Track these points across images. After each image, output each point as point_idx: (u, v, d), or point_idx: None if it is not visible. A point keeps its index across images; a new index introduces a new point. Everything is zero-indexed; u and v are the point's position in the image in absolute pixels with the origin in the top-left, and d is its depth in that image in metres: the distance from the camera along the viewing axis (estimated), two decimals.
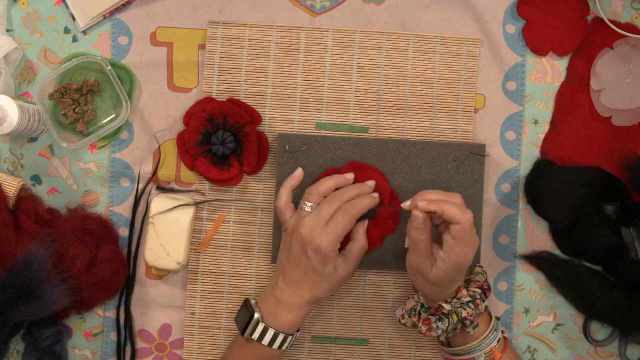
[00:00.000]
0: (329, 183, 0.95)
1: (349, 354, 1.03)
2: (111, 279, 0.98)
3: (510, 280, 1.03)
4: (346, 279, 0.95)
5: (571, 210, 0.99)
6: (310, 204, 0.93)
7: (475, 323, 0.91)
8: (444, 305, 0.91)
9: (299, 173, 0.98)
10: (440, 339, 0.93)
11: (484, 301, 0.92)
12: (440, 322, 0.91)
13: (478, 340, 0.93)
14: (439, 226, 0.93)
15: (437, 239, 0.93)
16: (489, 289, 0.94)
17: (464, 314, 0.91)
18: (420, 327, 0.93)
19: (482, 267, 0.97)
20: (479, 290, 0.92)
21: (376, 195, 0.96)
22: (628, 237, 1.00)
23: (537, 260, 1.03)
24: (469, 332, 0.92)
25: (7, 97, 0.94)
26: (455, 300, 0.92)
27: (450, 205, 0.88)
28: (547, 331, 1.04)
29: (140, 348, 1.03)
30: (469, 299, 0.91)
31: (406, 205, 0.91)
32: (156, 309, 1.03)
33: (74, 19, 1.02)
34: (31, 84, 1.02)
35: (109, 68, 0.98)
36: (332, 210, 0.91)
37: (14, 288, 0.90)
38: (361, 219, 0.95)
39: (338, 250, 0.92)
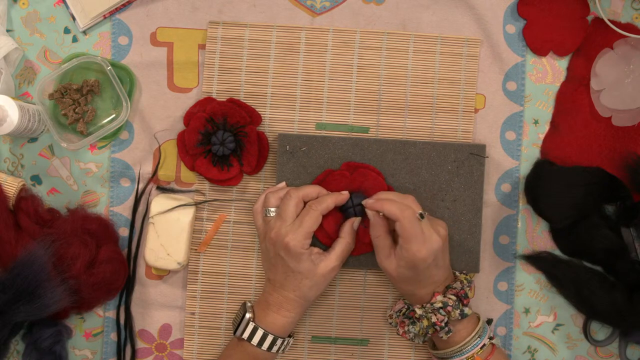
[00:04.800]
0: (284, 189, 0.98)
1: (349, 354, 1.03)
2: (111, 279, 0.98)
3: (510, 280, 1.03)
4: (329, 275, 0.95)
5: (571, 210, 0.99)
6: (272, 209, 0.96)
7: (447, 329, 0.92)
8: (416, 309, 0.94)
9: (282, 185, 0.99)
10: (415, 341, 0.95)
11: (457, 308, 0.93)
12: (412, 326, 0.94)
13: (459, 345, 0.94)
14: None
15: None
16: (466, 296, 0.94)
17: (434, 319, 0.92)
18: (398, 329, 0.96)
19: (466, 275, 0.98)
20: (453, 297, 0.93)
21: (345, 192, 0.97)
22: (628, 237, 1.00)
23: (537, 260, 1.03)
24: (442, 337, 0.93)
25: (7, 97, 0.94)
26: (428, 305, 0.93)
27: (390, 203, 0.91)
28: (547, 331, 1.04)
29: (140, 348, 1.03)
30: (440, 305, 0.93)
31: (363, 202, 0.95)
32: (156, 309, 1.03)
33: (74, 19, 1.02)
34: (31, 84, 1.02)
35: (109, 68, 0.98)
36: (292, 207, 0.94)
37: (14, 288, 0.90)
38: (345, 214, 0.97)
39: (309, 246, 0.94)
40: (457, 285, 0.95)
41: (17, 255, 0.92)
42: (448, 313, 0.92)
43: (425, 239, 0.91)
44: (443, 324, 0.92)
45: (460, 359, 0.94)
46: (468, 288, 0.96)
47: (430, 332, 0.94)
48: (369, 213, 0.93)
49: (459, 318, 0.93)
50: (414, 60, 1.03)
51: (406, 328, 0.95)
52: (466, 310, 0.93)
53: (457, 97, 1.03)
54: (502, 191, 1.03)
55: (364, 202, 0.95)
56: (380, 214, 0.93)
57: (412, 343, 1.03)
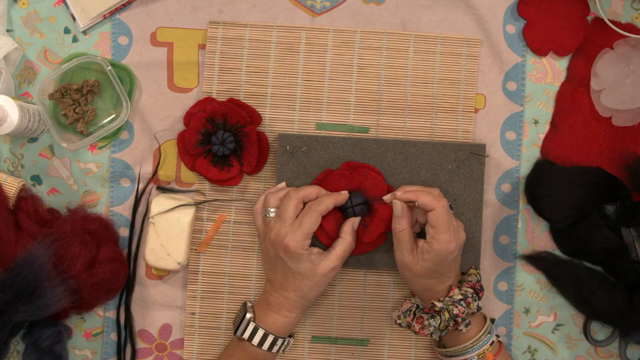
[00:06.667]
0: (284, 190, 0.98)
1: (349, 354, 1.03)
2: (111, 279, 0.98)
3: (510, 280, 1.03)
4: (329, 275, 0.95)
5: (571, 210, 0.99)
6: (272, 209, 0.96)
7: (467, 321, 0.93)
8: (436, 302, 0.93)
9: (282, 185, 0.99)
10: (433, 337, 0.94)
11: (475, 300, 0.93)
12: (432, 320, 0.93)
13: (471, 341, 0.94)
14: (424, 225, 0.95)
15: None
16: (482, 289, 0.95)
17: (455, 311, 0.92)
18: (414, 326, 0.95)
19: (476, 269, 0.99)
20: (470, 290, 0.94)
21: (344, 192, 0.97)
22: (628, 237, 1.00)
23: (537, 260, 1.03)
24: (461, 330, 0.93)
25: (7, 97, 0.94)
26: (447, 298, 0.93)
27: (425, 193, 0.91)
28: (547, 331, 1.04)
29: (140, 348, 1.03)
30: (460, 297, 0.93)
31: (387, 197, 0.94)
32: (156, 309, 1.03)
33: (74, 19, 1.02)
34: (31, 84, 1.02)
35: (109, 68, 0.98)
36: (292, 208, 0.94)
37: (14, 288, 0.90)
38: (344, 213, 0.97)
39: (309, 247, 0.94)
40: (473, 278, 0.96)
41: (17, 255, 0.92)
42: (468, 305, 0.92)
43: (455, 231, 0.92)
44: (464, 316, 0.92)
45: (470, 356, 0.94)
46: (481, 281, 0.97)
47: (451, 325, 0.93)
48: (397, 205, 0.92)
49: (476, 311, 0.93)
50: (414, 60, 1.03)
51: (425, 322, 0.94)
52: (480, 303, 0.94)
53: (457, 97, 1.03)
54: (502, 191, 1.03)
55: (387, 197, 0.94)
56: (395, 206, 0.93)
57: (412, 343, 1.03)
